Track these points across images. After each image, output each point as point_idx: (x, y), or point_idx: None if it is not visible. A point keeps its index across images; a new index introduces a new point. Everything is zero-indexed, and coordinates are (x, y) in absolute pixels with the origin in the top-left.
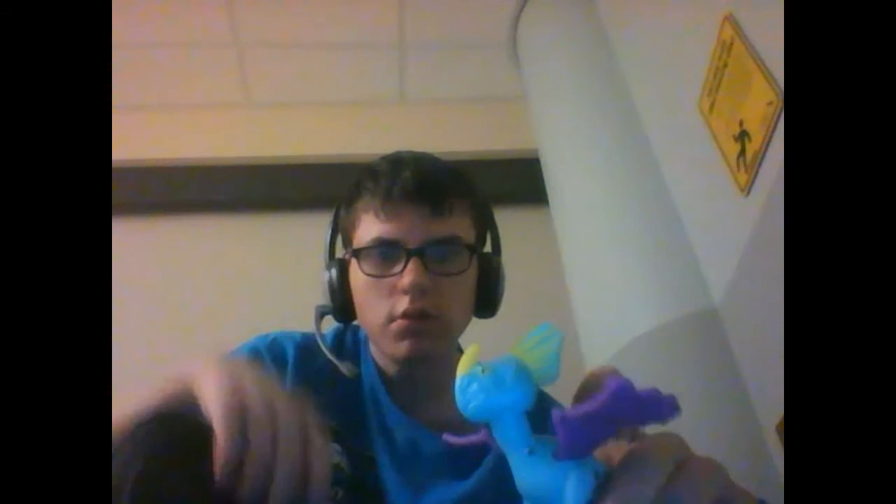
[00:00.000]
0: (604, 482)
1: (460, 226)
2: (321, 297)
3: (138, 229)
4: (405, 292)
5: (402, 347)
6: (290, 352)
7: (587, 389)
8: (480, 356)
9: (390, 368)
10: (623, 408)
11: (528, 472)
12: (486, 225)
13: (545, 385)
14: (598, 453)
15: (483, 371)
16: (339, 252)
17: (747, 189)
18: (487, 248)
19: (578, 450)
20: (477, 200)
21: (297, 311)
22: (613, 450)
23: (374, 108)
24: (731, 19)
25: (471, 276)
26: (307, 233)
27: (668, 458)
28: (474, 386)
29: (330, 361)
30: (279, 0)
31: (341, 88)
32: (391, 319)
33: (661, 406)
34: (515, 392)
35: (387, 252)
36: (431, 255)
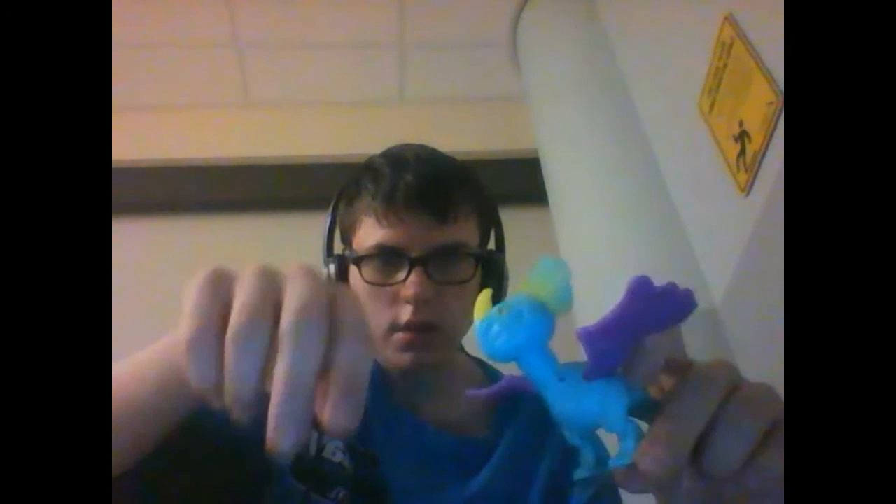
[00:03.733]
0: (655, 403)
1: (465, 231)
2: None
3: (138, 229)
4: (408, 302)
5: (406, 359)
6: None
7: None
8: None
9: (392, 370)
10: (642, 307)
11: (563, 401)
12: (490, 223)
13: (562, 313)
14: (654, 390)
15: (500, 311)
16: (338, 247)
17: (747, 189)
18: (491, 244)
19: (606, 365)
20: (482, 199)
21: None
22: (665, 380)
23: (374, 108)
24: (731, 19)
25: (475, 281)
26: (307, 233)
27: (725, 380)
28: (495, 327)
29: None
30: (279, 0)
31: (341, 88)
32: (393, 330)
33: (677, 297)
34: (535, 324)
35: (389, 260)
36: (435, 263)
